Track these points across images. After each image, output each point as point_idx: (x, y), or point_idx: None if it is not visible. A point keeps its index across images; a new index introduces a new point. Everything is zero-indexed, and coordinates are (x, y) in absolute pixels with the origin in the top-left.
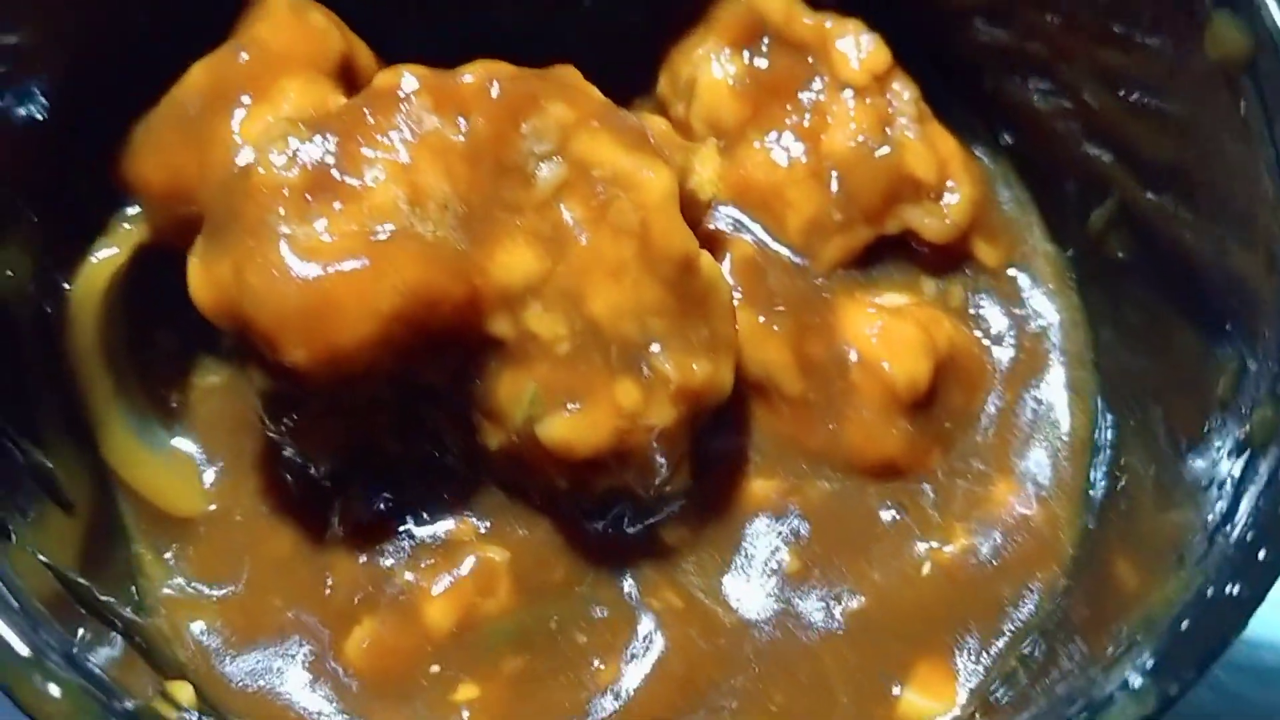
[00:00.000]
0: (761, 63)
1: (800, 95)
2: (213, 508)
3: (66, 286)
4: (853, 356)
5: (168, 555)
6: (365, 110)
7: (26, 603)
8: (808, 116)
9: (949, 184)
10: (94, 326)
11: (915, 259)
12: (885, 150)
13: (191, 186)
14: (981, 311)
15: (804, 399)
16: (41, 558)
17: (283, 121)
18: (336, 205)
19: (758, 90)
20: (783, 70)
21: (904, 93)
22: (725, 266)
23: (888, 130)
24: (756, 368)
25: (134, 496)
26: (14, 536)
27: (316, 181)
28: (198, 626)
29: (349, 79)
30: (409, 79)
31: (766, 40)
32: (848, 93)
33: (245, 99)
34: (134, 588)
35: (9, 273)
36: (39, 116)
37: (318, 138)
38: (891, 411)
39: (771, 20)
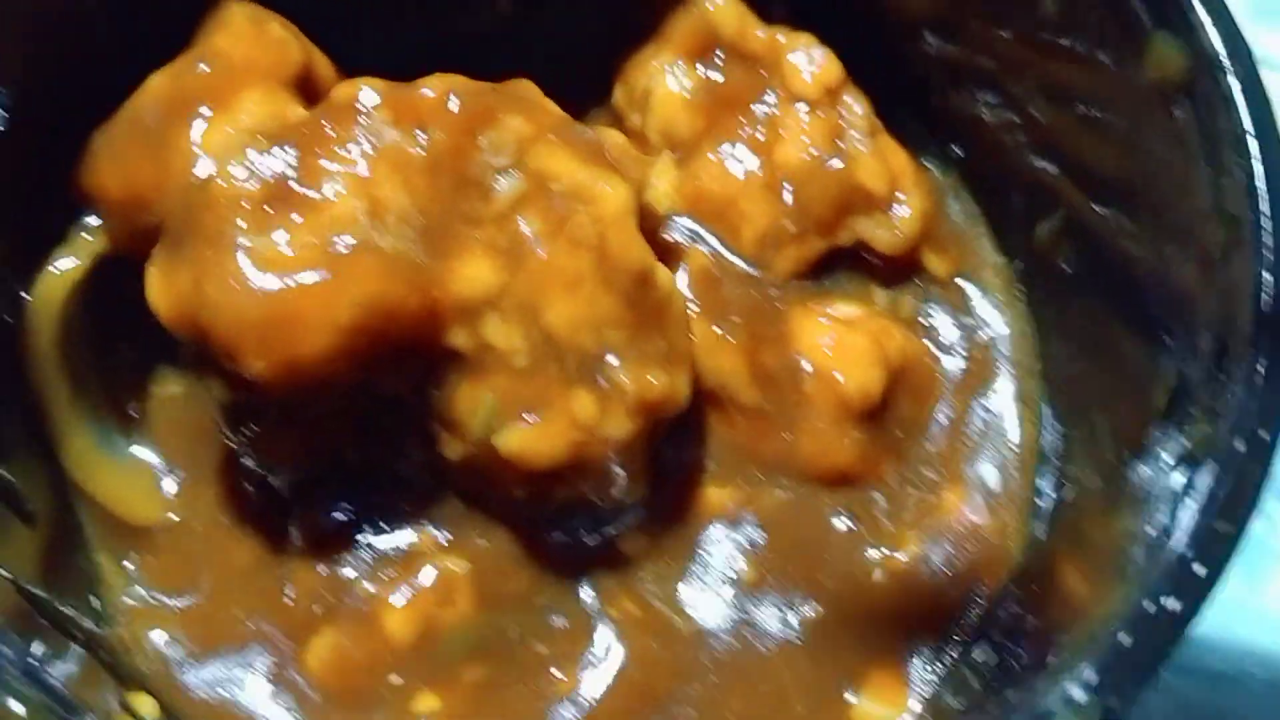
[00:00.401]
0: (715, 75)
1: (754, 108)
2: (173, 517)
3: (25, 296)
4: (806, 367)
5: (128, 565)
6: (324, 123)
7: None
8: (761, 129)
9: (899, 196)
10: (53, 336)
11: (867, 269)
12: (837, 163)
13: (150, 196)
14: (931, 321)
15: (758, 409)
16: (1, 571)
17: (242, 133)
18: (296, 218)
19: (712, 102)
20: (736, 83)
21: (855, 106)
22: (682, 278)
23: (839, 143)
24: (711, 377)
25: (94, 506)
26: None
27: (276, 194)
28: (158, 637)
29: (308, 90)
30: (368, 92)
31: (720, 53)
32: (800, 105)
33: (205, 109)
34: (93, 598)
35: None
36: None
37: (277, 150)
38: (844, 421)
39: (724, 33)
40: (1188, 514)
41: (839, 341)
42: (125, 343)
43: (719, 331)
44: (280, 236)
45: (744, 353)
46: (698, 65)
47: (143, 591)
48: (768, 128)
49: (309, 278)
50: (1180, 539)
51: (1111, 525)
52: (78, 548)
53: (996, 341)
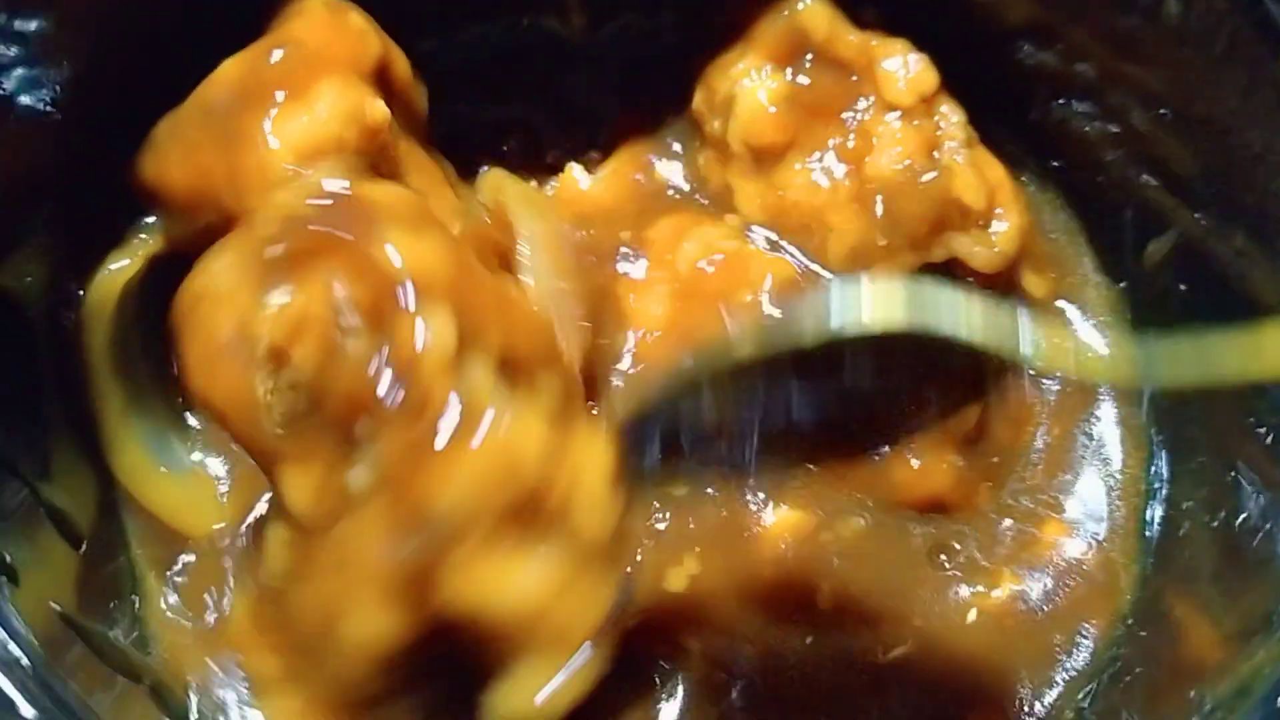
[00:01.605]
0: (803, 81)
1: (843, 116)
2: (222, 530)
3: (81, 294)
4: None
5: (173, 579)
6: None
7: (33, 655)
8: (851, 138)
9: (997, 211)
10: (107, 337)
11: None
12: (932, 175)
13: (218, 189)
14: None
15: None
16: (52, 604)
17: None
18: None
19: (799, 110)
20: (825, 90)
21: (952, 116)
22: (765, 285)
23: (935, 154)
24: None
25: (143, 517)
26: (20, 580)
27: None
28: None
29: (386, 85)
30: None
31: (809, 58)
32: (893, 114)
33: (279, 96)
34: (130, 614)
35: (27, 278)
36: (57, 114)
37: None
38: (942, 445)
39: (814, 38)
40: None
41: None
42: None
43: None
44: None
45: None
46: (785, 70)
47: (183, 607)
48: (858, 137)
49: None
50: None
51: (1240, 567)
52: (119, 565)
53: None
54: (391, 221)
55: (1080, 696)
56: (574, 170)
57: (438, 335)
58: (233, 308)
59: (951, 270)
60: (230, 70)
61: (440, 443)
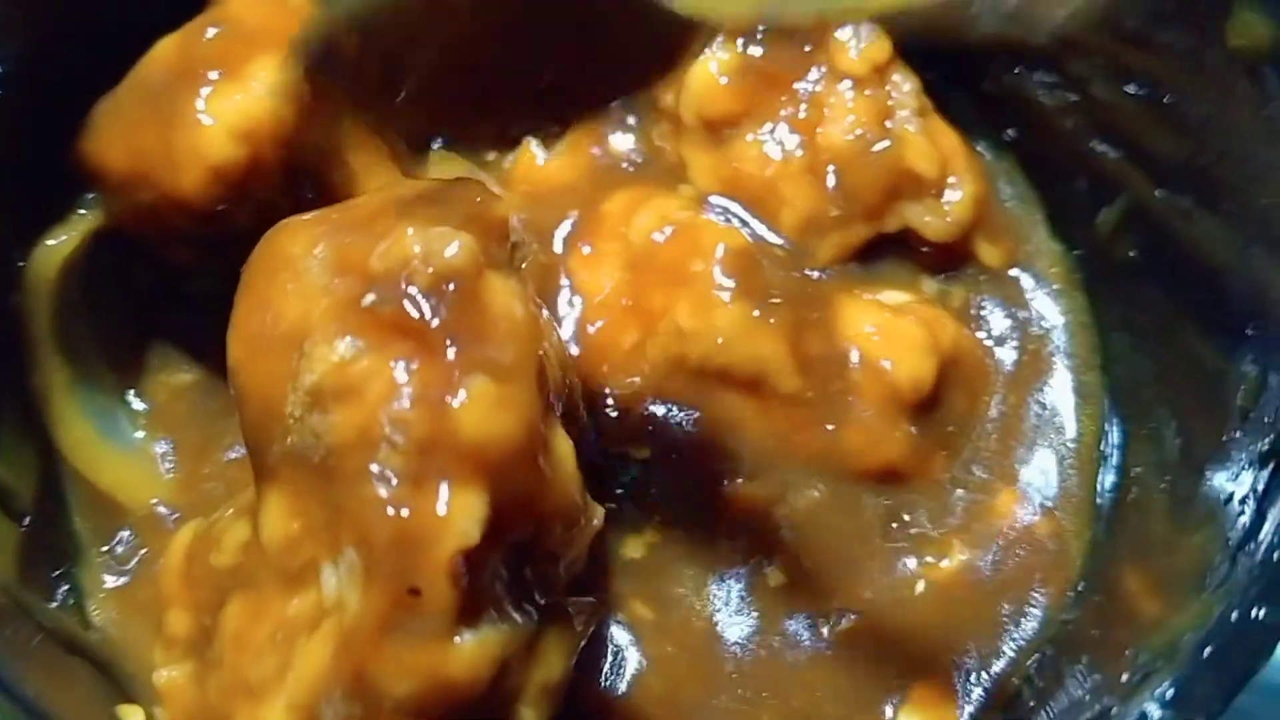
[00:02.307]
0: (756, 51)
1: (796, 86)
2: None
3: (21, 267)
4: (854, 355)
5: (112, 559)
6: None
7: None
8: (804, 108)
9: (950, 180)
10: (50, 312)
11: (915, 259)
12: (885, 144)
13: (155, 169)
14: (984, 313)
15: (800, 397)
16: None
17: None
18: None
19: (751, 80)
20: (778, 60)
21: (905, 84)
22: (718, 255)
23: (888, 124)
24: (749, 363)
25: (85, 490)
26: None
27: None
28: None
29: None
30: None
31: (762, 28)
32: (846, 84)
33: (213, 75)
34: (77, 598)
35: None
36: None
37: None
38: (894, 413)
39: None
40: (1274, 518)
41: (889, 328)
42: (130, 327)
43: (758, 314)
44: None
45: (785, 338)
46: (737, 41)
47: (125, 580)
48: (811, 107)
49: None
50: (1268, 544)
51: (1183, 530)
52: (61, 538)
53: (1052, 333)
54: (491, 355)
55: (1029, 663)
56: (531, 145)
57: (461, 525)
58: (305, 307)
59: (906, 239)
60: (166, 49)
61: (415, 630)
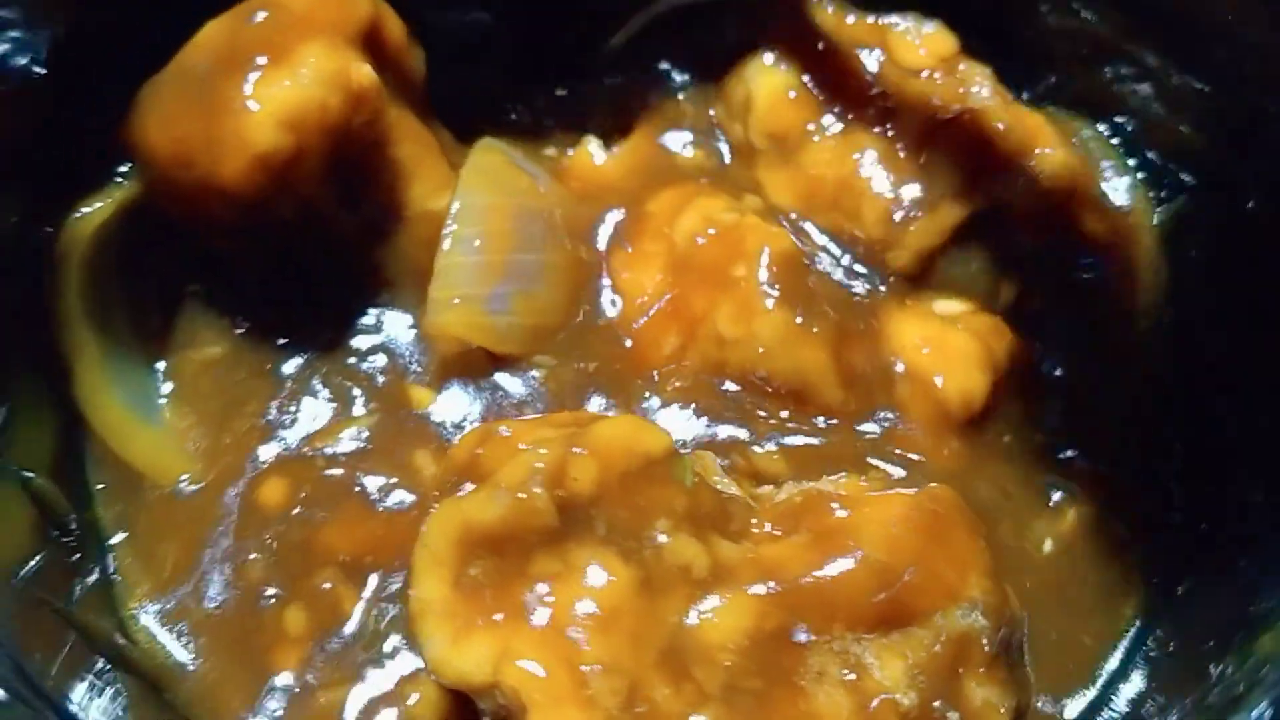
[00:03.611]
0: (818, 63)
1: (865, 86)
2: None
3: (52, 233)
4: (899, 368)
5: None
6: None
7: (9, 638)
8: (874, 105)
9: (1039, 150)
10: (81, 284)
11: (1006, 249)
12: (966, 118)
13: (196, 155)
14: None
15: (843, 409)
16: (32, 587)
17: None
18: None
19: (816, 89)
20: (841, 67)
21: (975, 71)
22: (762, 261)
23: (965, 101)
24: (790, 374)
25: (108, 465)
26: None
27: None
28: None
29: (377, 49)
30: None
31: (821, 44)
32: (917, 74)
33: (260, 61)
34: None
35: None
36: (40, 70)
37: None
38: (942, 430)
39: (823, 25)
40: None
41: (939, 342)
42: (160, 301)
43: (801, 321)
44: None
45: (829, 347)
46: (797, 58)
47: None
48: (879, 103)
49: None
50: None
51: None
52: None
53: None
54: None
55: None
56: (590, 144)
57: None
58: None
59: (1002, 220)
60: (211, 33)
61: None
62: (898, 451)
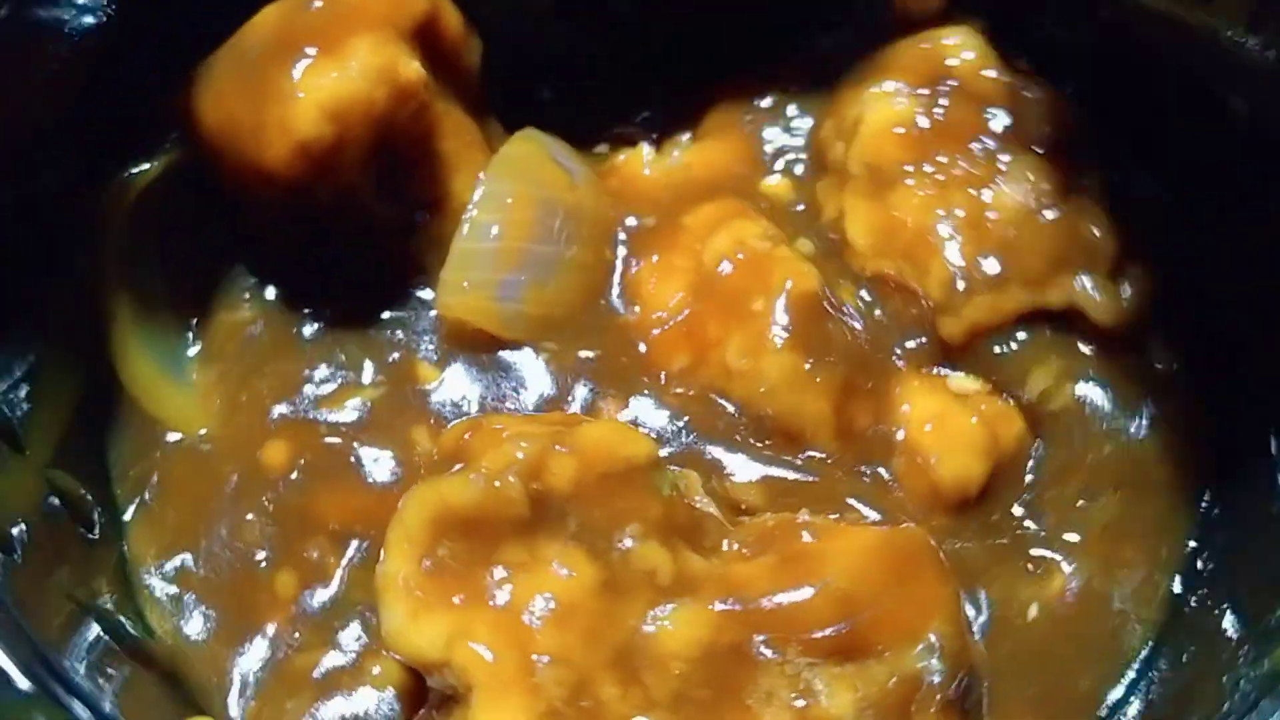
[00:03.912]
0: (937, 107)
1: (973, 146)
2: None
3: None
4: (899, 436)
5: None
6: None
7: (31, 628)
8: (978, 167)
9: (1129, 262)
10: (121, 238)
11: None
12: (1061, 212)
13: (242, 137)
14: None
15: (835, 462)
16: (54, 580)
17: None
18: None
19: (927, 133)
20: (959, 117)
21: (1091, 161)
22: (782, 298)
23: (1066, 194)
24: (788, 415)
25: (137, 425)
26: (19, 554)
27: None
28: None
29: (430, 42)
30: None
31: (948, 87)
32: (1027, 150)
33: (311, 50)
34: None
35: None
36: (107, 30)
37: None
38: (931, 505)
39: (958, 70)
40: None
41: (945, 421)
42: (198, 263)
43: (809, 367)
44: None
45: (831, 398)
46: (919, 93)
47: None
48: (986, 164)
49: None
50: None
51: None
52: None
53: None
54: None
55: None
56: (645, 148)
57: None
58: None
59: (1069, 323)
60: (268, 17)
61: None
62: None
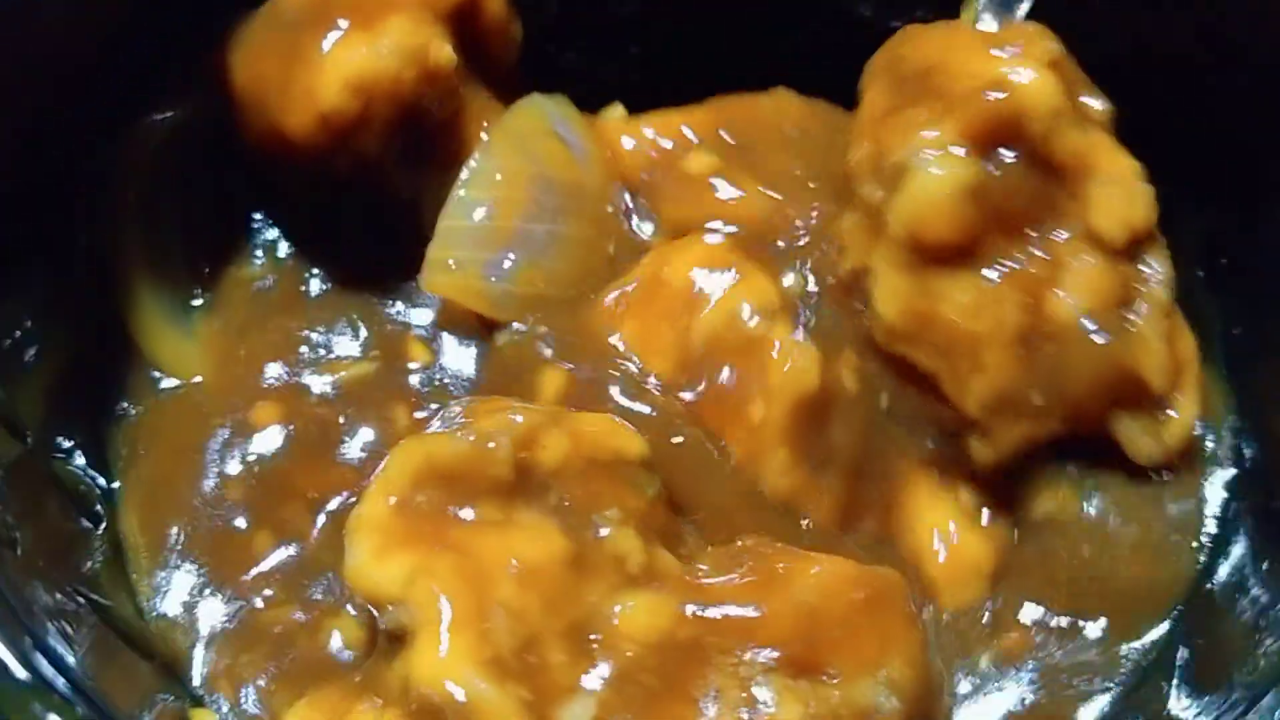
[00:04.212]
0: (998, 174)
1: (1033, 232)
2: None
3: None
4: (904, 541)
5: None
6: None
7: (29, 620)
8: (1036, 263)
9: (1175, 397)
10: (141, 184)
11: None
12: (1118, 338)
13: (268, 101)
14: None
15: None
16: (50, 570)
17: None
18: None
19: (984, 209)
20: (1022, 193)
21: (1158, 269)
22: (783, 405)
23: (1126, 312)
24: (786, 499)
25: (134, 378)
26: (19, 548)
27: None
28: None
29: (469, 25)
30: None
31: (1015, 149)
32: (1093, 249)
33: (343, 23)
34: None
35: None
36: None
37: None
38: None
39: (1031, 125)
40: None
41: (956, 545)
42: (214, 216)
43: (809, 473)
44: None
45: (835, 500)
46: (981, 154)
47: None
48: (1045, 263)
49: None
50: None
51: None
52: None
53: None
54: None
55: None
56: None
57: None
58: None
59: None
60: None
61: None
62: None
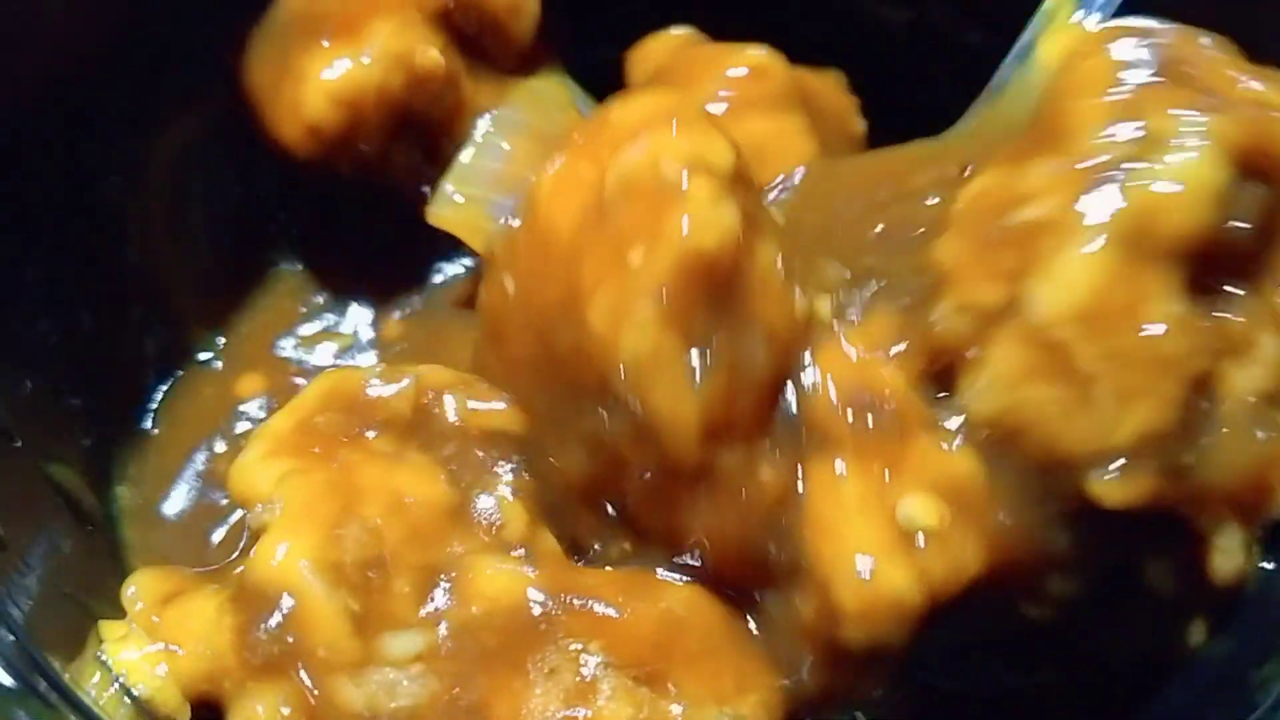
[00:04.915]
0: (1244, 199)
1: (1235, 288)
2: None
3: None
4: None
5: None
6: None
7: (19, 626)
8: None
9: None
10: (166, 193)
11: None
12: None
13: (268, 105)
14: None
15: None
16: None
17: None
18: None
19: (1219, 226)
20: (1245, 237)
21: None
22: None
23: None
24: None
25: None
26: (10, 548)
27: None
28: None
29: (464, 19)
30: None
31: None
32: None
33: (329, 31)
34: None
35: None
36: None
37: None
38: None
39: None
40: None
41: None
42: (241, 223)
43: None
44: None
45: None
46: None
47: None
48: (1238, 326)
49: None
50: None
51: None
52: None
53: None
54: None
55: None
56: None
57: None
58: None
59: None
60: None
61: None
62: None
